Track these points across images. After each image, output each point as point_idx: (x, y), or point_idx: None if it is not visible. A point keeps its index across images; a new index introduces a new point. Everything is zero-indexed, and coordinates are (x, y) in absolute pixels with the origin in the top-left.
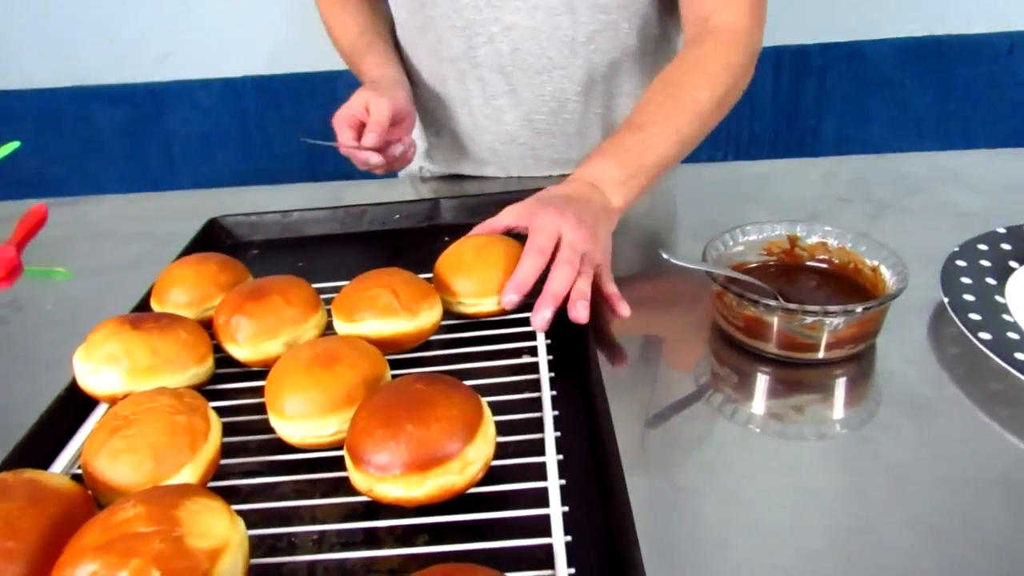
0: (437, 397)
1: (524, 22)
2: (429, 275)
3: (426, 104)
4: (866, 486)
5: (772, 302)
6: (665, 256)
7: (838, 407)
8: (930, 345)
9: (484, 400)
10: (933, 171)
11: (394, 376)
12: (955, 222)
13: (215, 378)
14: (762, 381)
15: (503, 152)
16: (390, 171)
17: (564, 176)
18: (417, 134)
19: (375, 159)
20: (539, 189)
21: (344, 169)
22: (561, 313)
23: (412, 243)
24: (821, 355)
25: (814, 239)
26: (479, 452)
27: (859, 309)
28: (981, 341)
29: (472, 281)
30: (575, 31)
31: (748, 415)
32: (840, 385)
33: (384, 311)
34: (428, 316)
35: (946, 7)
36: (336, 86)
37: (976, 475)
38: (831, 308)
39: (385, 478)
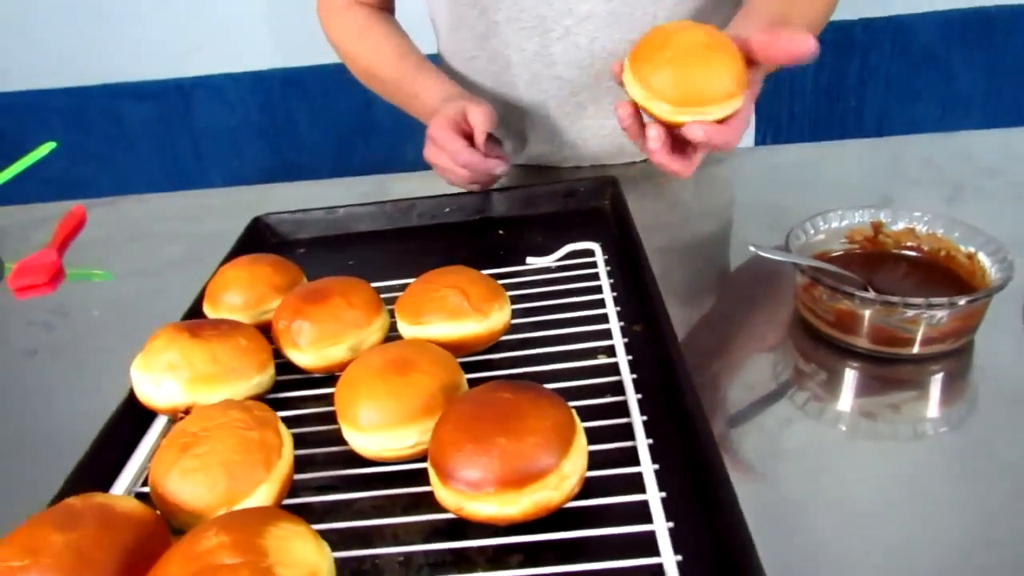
0: (526, 406)
1: (600, 8)
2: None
3: (503, 106)
4: (988, 493)
5: (869, 294)
6: (753, 249)
7: (937, 405)
8: None
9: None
10: (1004, 150)
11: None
12: None
13: (277, 386)
14: (851, 378)
15: (583, 147)
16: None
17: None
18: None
19: (501, 168)
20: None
21: (377, 161)
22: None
23: (465, 237)
24: (916, 350)
25: (901, 225)
26: (575, 465)
27: (963, 301)
28: None
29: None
30: (656, 9)
31: (838, 414)
32: (937, 382)
33: (453, 313)
34: (499, 317)
35: None
36: None
37: None
38: (935, 300)
39: (477, 496)
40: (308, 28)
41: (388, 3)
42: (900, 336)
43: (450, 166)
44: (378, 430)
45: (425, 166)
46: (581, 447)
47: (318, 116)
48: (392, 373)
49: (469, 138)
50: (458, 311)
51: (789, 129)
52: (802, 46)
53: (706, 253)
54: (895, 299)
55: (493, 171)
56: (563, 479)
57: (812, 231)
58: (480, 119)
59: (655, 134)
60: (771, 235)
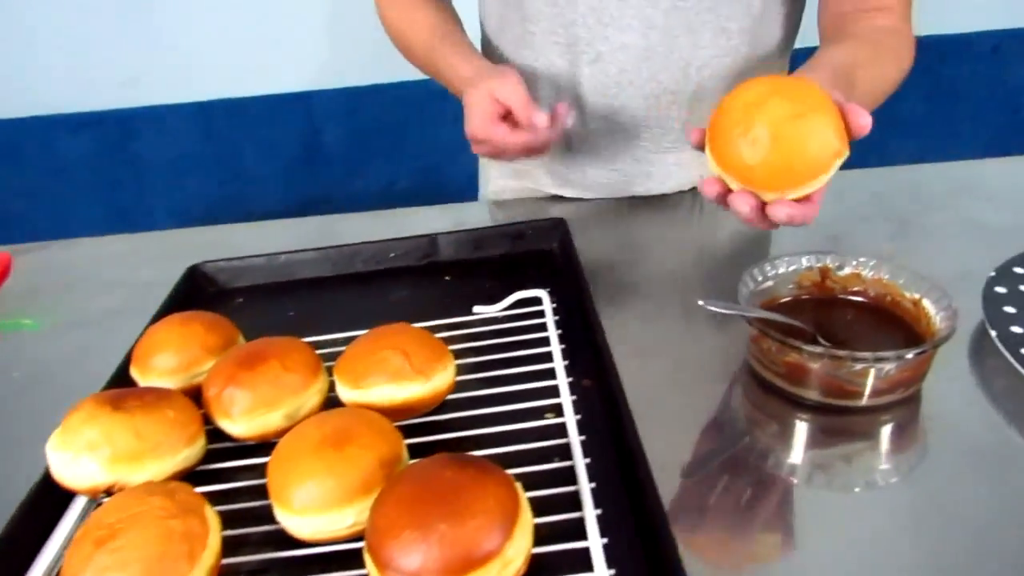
0: (469, 486)
1: (637, 42)
2: (429, 324)
3: None
4: (940, 544)
5: (817, 348)
6: (701, 304)
7: (887, 456)
8: (976, 379)
9: (516, 477)
10: (949, 183)
11: (408, 446)
12: (983, 239)
13: (209, 455)
14: (802, 428)
15: (592, 175)
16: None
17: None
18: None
19: (561, 127)
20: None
21: (324, 191)
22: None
23: (411, 283)
24: (865, 401)
25: (847, 270)
26: (519, 547)
27: (910, 355)
28: None
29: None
30: (692, 55)
31: (790, 466)
32: (887, 432)
33: (395, 375)
34: (442, 378)
35: (928, 6)
36: (311, 106)
37: None
38: (882, 354)
39: None
40: (250, 58)
41: None
42: (849, 388)
43: (503, 152)
44: (313, 512)
45: (373, 203)
46: (526, 525)
47: (263, 146)
48: (328, 448)
49: (508, 115)
50: (400, 374)
51: None
52: (862, 122)
53: (659, 295)
54: (843, 353)
55: (553, 138)
56: (507, 564)
57: (760, 278)
58: (511, 94)
59: (747, 210)
60: (726, 275)
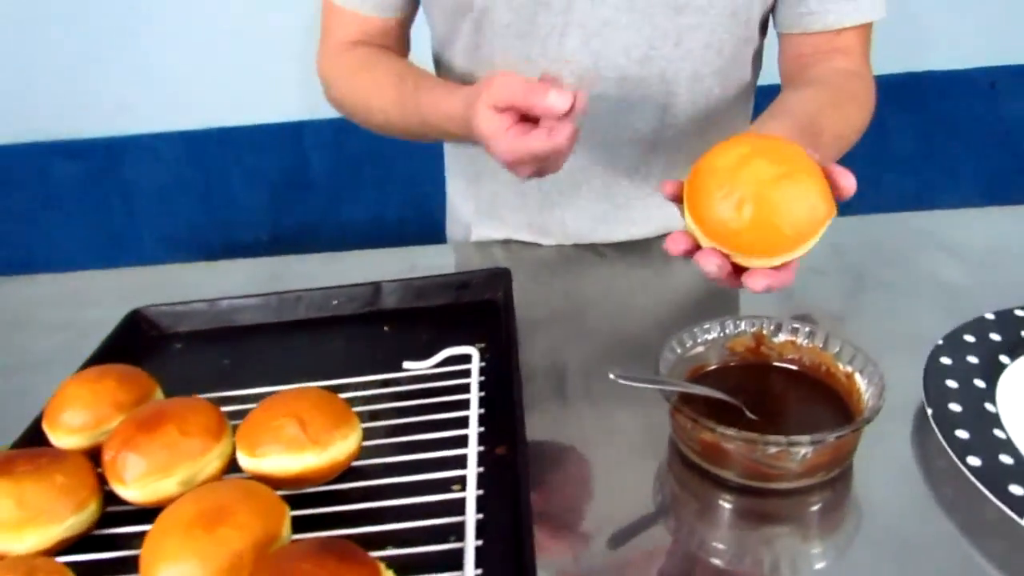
0: None
1: (611, 93)
2: (355, 380)
3: (494, 171)
4: None
5: (729, 430)
6: (612, 377)
7: (814, 541)
8: (914, 458)
9: (405, 558)
10: (912, 235)
11: (296, 520)
12: (939, 298)
13: (108, 519)
14: (725, 510)
15: (573, 227)
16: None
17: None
18: (468, 193)
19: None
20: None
21: (313, 219)
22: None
23: (351, 333)
24: (787, 484)
25: (783, 337)
26: None
27: (830, 438)
28: (970, 468)
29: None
30: (667, 101)
31: (713, 548)
32: (814, 515)
33: (289, 445)
34: (341, 447)
35: (924, 42)
36: (301, 135)
37: None
38: (796, 438)
39: None
40: (241, 87)
41: (399, 45)
42: (767, 472)
43: (549, 159)
44: None
45: (361, 232)
46: None
47: (252, 175)
48: (199, 528)
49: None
50: (295, 443)
51: None
52: (846, 183)
53: (595, 351)
54: (754, 436)
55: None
56: None
57: (690, 342)
58: (505, 89)
59: (715, 269)
60: (671, 329)
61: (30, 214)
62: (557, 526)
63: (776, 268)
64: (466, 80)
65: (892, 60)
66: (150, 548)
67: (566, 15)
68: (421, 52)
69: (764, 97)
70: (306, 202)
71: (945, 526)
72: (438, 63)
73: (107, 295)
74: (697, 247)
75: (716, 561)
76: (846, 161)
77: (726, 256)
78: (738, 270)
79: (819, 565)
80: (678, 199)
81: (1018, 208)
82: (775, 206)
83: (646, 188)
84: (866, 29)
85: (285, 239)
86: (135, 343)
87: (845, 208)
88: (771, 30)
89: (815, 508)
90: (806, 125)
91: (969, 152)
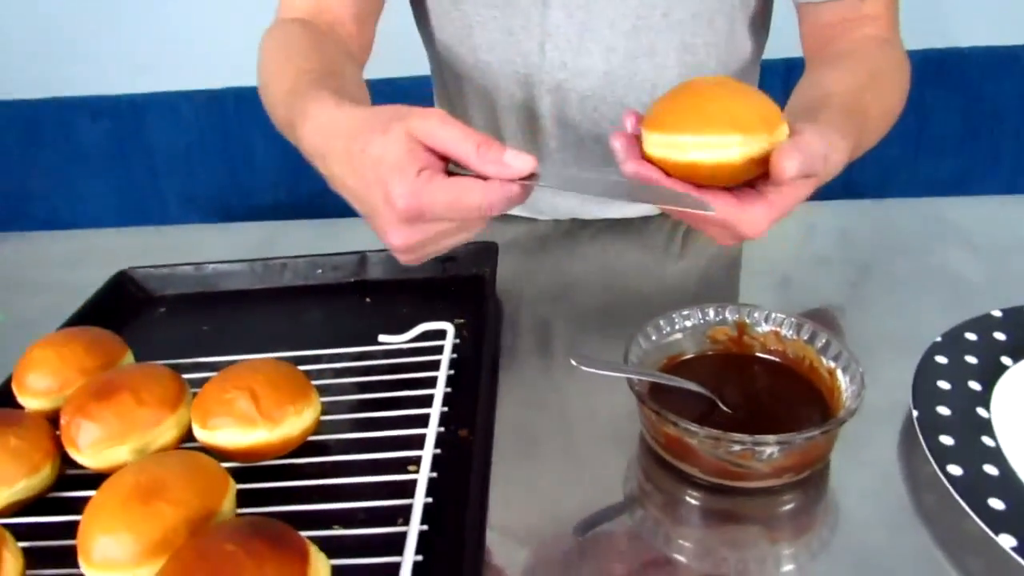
0: (246, 564)
1: (598, 67)
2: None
3: None
4: None
5: (692, 425)
6: (574, 363)
7: (782, 545)
8: (898, 463)
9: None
10: (929, 224)
11: (245, 493)
12: (948, 293)
13: (65, 483)
14: (691, 507)
15: (563, 205)
16: None
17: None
18: None
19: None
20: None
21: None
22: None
23: (332, 302)
24: (754, 484)
25: (766, 327)
26: None
27: (798, 439)
28: (949, 477)
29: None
30: (657, 76)
31: (677, 545)
32: (784, 517)
33: (240, 419)
34: (294, 423)
35: (971, 16)
36: None
37: None
38: (761, 438)
39: None
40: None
41: (359, 29)
42: (732, 471)
43: (451, 231)
44: (109, 568)
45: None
46: None
47: (272, 137)
48: (135, 501)
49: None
50: (245, 418)
51: None
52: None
53: (580, 331)
54: (717, 433)
55: (523, 192)
56: None
57: (667, 328)
58: (441, 129)
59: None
60: (661, 311)
61: (55, 170)
62: (516, 512)
63: (792, 146)
64: (449, 62)
65: (932, 35)
66: (87, 518)
67: None
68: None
69: (772, 75)
70: None
71: (922, 538)
72: (428, 48)
73: (98, 256)
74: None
75: (679, 557)
76: (880, 145)
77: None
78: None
79: (787, 568)
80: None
81: None
82: (733, 89)
83: None
84: None
85: (303, 203)
86: (120, 305)
87: (859, 191)
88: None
89: (786, 509)
90: (852, 108)
91: (1013, 137)
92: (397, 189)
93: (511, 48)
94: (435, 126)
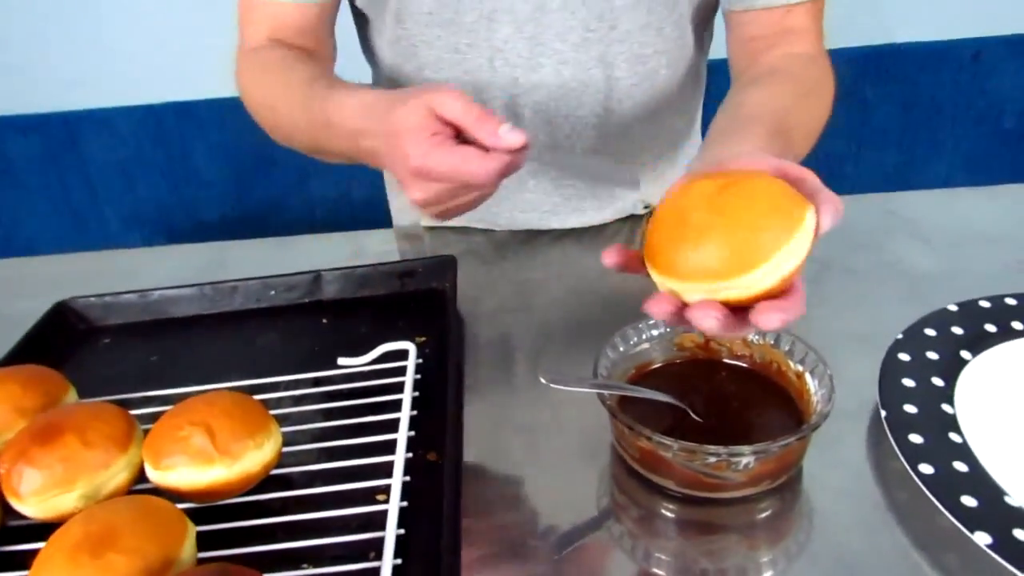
0: None
1: (550, 80)
2: (284, 378)
3: None
4: None
5: (666, 439)
6: (543, 381)
7: (759, 553)
8: (869, 462)
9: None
10: (883, 218)
11: (205, 535)
12: (905, 287)
13: (6, 535)
14: (667, 519)
15: (522, 219)
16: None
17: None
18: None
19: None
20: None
21: (277, 196)
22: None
23: (287, 325)
24: (729, 494)
25: None
26: None
27: (773, 448)
28: (921, 476)
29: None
30: (609, 86)
31: (656, 559)
32: (760, 525)
33: (196, 456)
34: (254, 457)
35: (905, 13)
36: None
37: None
38: (736, 449)
39: None
40: (200, 60)
41: (322, 45)
42: (707, 482)
43: (466, 195)
44: None
45: (327, 210)
46: None
47: (215, 150)
48: (84, 554)
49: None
50: (201, 455)
51: None
52: (825, 221)
53: (544, 342)
54: (692, 445)
55: (518, 163)
56: None
57: (635, 338)
58: (457, 105)
59: (715, 324)
60: (624, 319)
61: None
62: (491, 534)
63: (783, 298)
64: (394, 80)
65: (872, 31)
66: (34, 574)
67: (493, 1)
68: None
69: (720, 75)
70: (272, 178)
71: (897, 536)
72: (372, 68)
73: (40, 284)
74: (682, 307)
75: (658, 571)
76: (825, 141)
77: (718, 303)
78: (740, 316)
79: (767, 574)
80: (629, 267)
81: (994, 189)
82: (734, 209)
83: (596, 178)
84: (818, 5)
85: (252, 217)
86: (59, 338)
87: (853, 173)
88: None
89: (762, 516)
90: (776, 128)
91: (952, 127)
92: (411, 150)
93: (458, 66)
94: (447, 99)
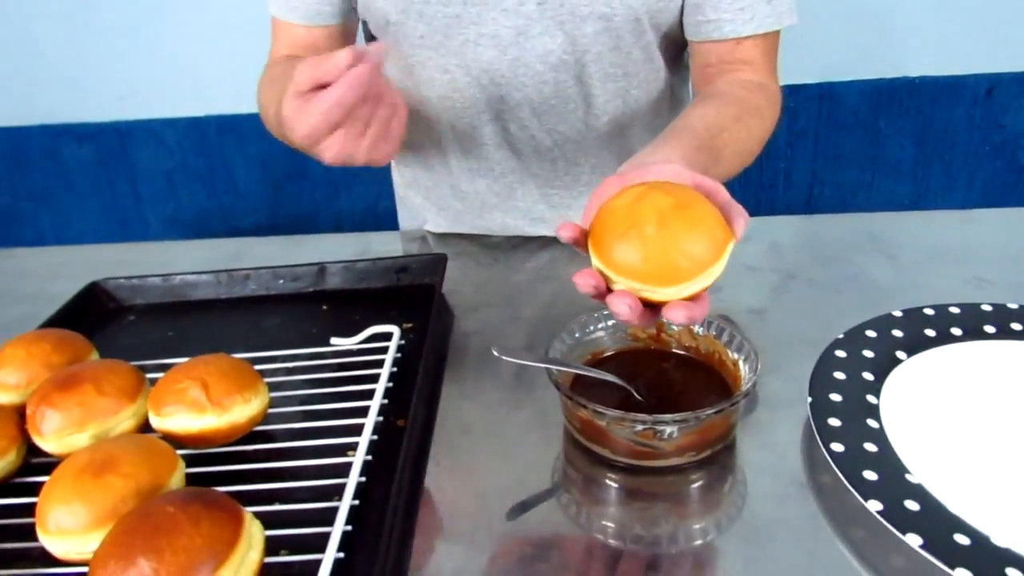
0: (183, 523)
1: (532, 98)
2: (281, 352)
3: (431, 176)
4: None
5: (600, 407)
6: (496, 353)
7: (696, 517)
8: (799, 445)
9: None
10: (852, 236)
11: (194, 477)
12: (862, 297)
13: (28, 469)
14: (609, 486)
15: (513, 225)
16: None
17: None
18: (419, 204)
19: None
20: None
21: (311, 208)
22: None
23: (292, 310)
24: (663, 462)
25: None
26: None
27: (693, 418)
28: (831, 454)
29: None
30: (587, 103)
31: (599, 525)
32: (693, 497)
33: (191, 406)
34: (242, 411)
35: (920, 48)
36: None
37: None
38: (661, 417)
39: None
40: (243, 76)
41: None
42: (641, 451)
43: (334, 110)
44: (64, 535)
45: (356, 222)
46: (244, 564)
47: (253, 162)
48: (87, 475)
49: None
50: (196, 405)
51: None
52: (738, 227)
53: (523, 334)
54: (621, 414)
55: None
56: None
57: (590, 327)
58: (301, 65)
59: (627, 310)
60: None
61: (44, 194)
62: (451, 496)
63: (691, 299)
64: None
65: (887, 65)
66: (44, 492)
67: (478, 27)
68: None
69: None
70: (304, 191)
71: (812, 510)
72: None
73: (76, 269)
74: (607, 289)
75: (598, 536)
76: (844, 167)
77: (636, 296)
78: (651, 311)
79: (697, 543)
80: (579, 243)
81: (970, 212)
82: (678, 231)
83: (579, 188)
84: (768, 39)
85: (284, 226)
86: (91, 313)
87: (797, 208)
88: None
89: (695, 487)
90: (705, 143)
91: (965, 159)
92: (294, 125)
93: (447, 85)
94: (298, 76)
